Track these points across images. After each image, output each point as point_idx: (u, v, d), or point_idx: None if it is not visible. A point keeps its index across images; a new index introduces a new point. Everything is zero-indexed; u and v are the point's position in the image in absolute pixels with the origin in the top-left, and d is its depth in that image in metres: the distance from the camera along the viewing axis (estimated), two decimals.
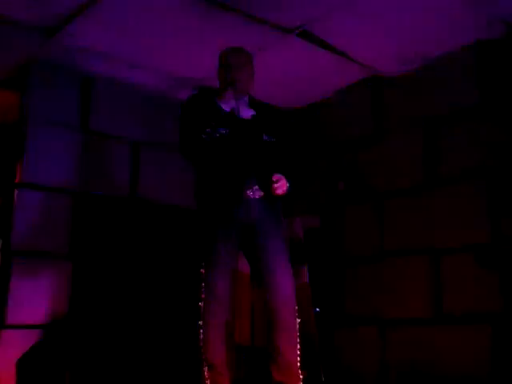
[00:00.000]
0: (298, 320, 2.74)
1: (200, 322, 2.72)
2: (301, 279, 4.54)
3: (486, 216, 3.99)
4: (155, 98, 4.97)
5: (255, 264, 2.78)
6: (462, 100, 4.23)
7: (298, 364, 2.67)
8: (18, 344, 3.87)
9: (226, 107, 2.79)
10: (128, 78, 4.70)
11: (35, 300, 4.07)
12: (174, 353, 4.38)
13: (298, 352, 2.68)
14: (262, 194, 2.74)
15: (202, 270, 2.79)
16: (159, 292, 4.56)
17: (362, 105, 4.97)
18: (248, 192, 2.72)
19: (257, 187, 2.73)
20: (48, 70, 4.41)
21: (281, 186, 2.73)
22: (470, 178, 4.16)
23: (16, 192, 4.21)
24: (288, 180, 2.78)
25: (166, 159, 4.90)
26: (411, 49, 4.29)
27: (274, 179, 2.70)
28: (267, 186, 2.72)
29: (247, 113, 2.84)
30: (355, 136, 5.01)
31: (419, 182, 4.47)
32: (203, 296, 2.75)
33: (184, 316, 4.41)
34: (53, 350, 3.73)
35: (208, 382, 2.69)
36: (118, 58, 4.38)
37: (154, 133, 4.91)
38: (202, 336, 2.70)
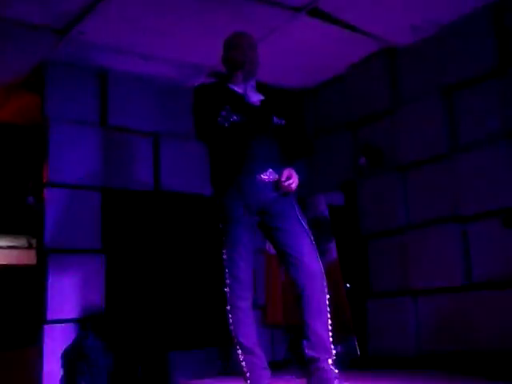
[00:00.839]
0: (328, 296, 2.75)
1: (228, 307, 2.77)
2: (330, 256, 4.62)
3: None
4: (171, 88, 5.01)
5: (276, 246, 2.82)
6: (478, 63, 4.18)
7: (330, 339, 2.70)
8: (60, 337, 4.02)
9: (238, 89, 2.84)
10: (143, 70, 4.75)
11: (72, 294, 4.19)
12: (207, 336, 4.51)
13: (330, 327, 2.71)
14: (276, 176, 2.76)
15: (224, 256, 2.84)
16: (188, 278, 4.67)
17: (377, 77, 4.93)
18: (262, 176, 2.75)
19: (271, 170, 2.76)
20: (63, 70, 4.49)
21: (292, 182, 2.75)
22: (491, 142, 4.12)
23: (45, 191, 4.31)
24: (298, 171, 2.81)
25: (185, 148, 4.94)
26: (423, 17, 4.24)
27: (284, 178, 2.72)
28: (278, 181, 2.76)
29: (255, 97, 2.86)
30: (372, 109, 4.98)
31: (441, 149, 4.44)
32: (227, 281, 2.79)
33: (213, 300, 4.48)
34: (94, 339, 3.87)
35: (244, 363, 2.74)
36: (131, 51, 4.42)
37: (172, 123, 4.95)
38: (231, 320, 2.76)
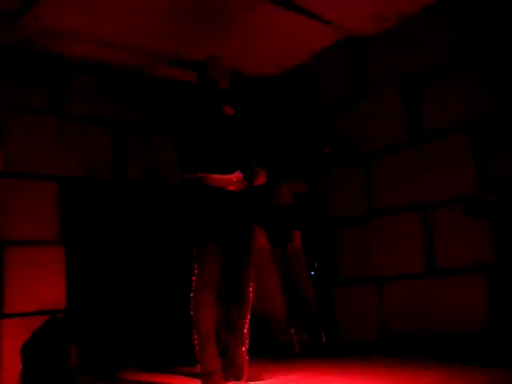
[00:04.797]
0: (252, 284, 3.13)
1: (191, 294, 2.96)
2: (294, 244, 4.65)
3: (473, 166, 4.00)
4: (131, 75, 4.87)
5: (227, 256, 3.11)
6: (440, 55, 4.21)
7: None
8: (18, 332, 3.87)
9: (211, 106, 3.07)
10: (101, 57, 4.58)
11: (31, 288, 4.06)
12: (167, 324, 4.47)
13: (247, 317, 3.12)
14: (243, 185, 3.01)
15: (194, 249, 2.99)
16: (150, 267, 4.61)
17: (339, 67, 4.92)
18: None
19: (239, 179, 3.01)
20: (17, 56, 4.31)
21: (261, 178, 3.11)
22: (453, 131, 4.17)
23: (0, 182, 4.15)
24: (265, 168, 3.14)
25: (147, 136, 4.83)
26: (385, 6, 4.23)
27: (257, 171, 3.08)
28: (250, 179, 3.06)
29: (229, 109, 3.11)
30: (335, 99, 4.98)
31: (404, 139, 4.47)
32: (196, 271, 2.95)
33: (175, 290, 4.45)
34: (54, 332, 3.77)
35: (197, 348, 3.00)
36: (89, 38, 4.26)
37: (133, 111, 4.83)
38: (192, 306, 2.96)
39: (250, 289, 3.13)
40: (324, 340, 4.49)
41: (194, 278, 2.98)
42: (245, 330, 3.08)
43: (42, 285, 4.09)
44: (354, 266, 4.75)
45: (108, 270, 4.36)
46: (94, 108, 4.61)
